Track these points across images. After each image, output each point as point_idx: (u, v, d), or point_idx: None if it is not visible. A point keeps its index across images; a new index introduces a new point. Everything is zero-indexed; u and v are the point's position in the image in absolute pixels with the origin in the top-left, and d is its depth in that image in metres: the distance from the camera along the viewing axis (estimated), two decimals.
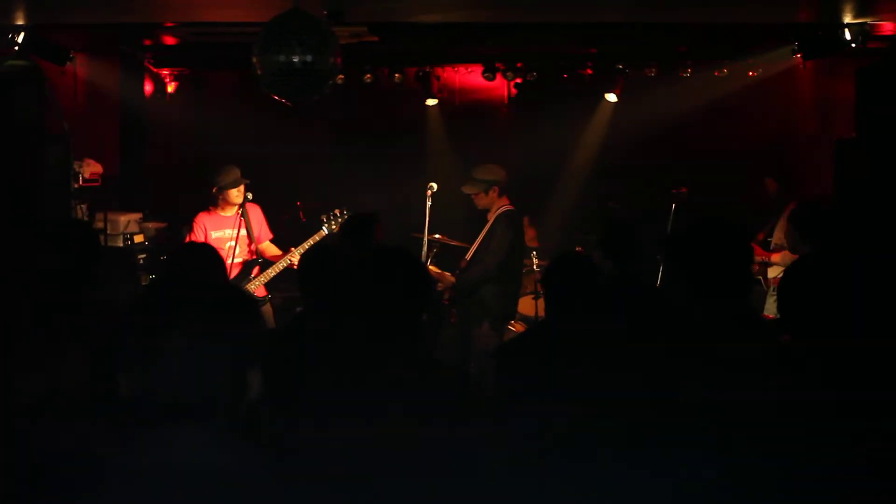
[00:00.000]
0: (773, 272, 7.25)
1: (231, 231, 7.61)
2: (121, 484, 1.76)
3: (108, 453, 1.81)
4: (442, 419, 2.76)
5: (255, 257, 7.71)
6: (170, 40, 8.74)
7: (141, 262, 8.25)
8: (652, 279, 6.41)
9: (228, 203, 7.66)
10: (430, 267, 7.46)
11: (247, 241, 7.72)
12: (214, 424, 1.84)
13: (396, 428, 2.68)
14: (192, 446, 1.79)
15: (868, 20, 6.85)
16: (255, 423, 1.97)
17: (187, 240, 7.54)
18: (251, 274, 7.59)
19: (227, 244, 7.52)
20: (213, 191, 7.65)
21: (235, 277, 7.53)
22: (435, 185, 7.57)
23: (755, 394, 2.67)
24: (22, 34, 7.04)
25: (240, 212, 7.64)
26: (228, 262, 7.46)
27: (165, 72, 9.96)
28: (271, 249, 7.83)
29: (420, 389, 2.83)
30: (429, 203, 7.45)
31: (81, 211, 7.75)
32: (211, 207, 7.73)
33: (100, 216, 8.09)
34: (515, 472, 2.95)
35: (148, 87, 9.60)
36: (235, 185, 7.61)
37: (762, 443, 2.58)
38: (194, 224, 7.70)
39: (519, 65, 9.61)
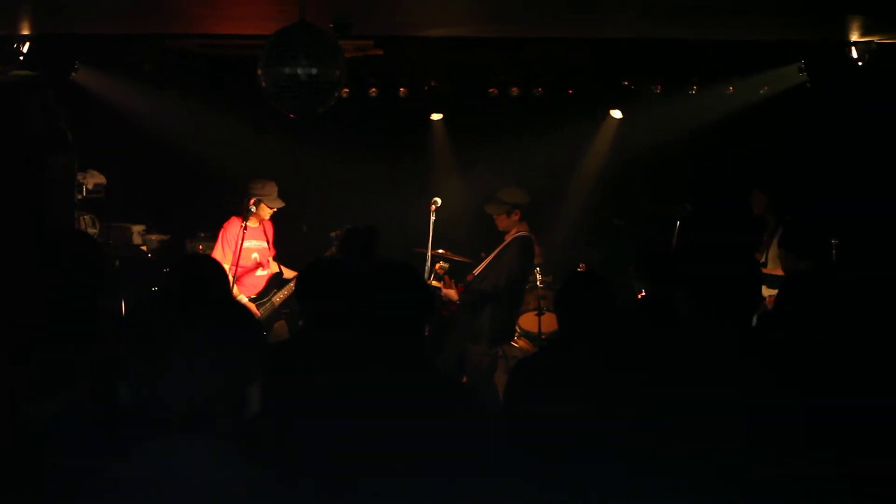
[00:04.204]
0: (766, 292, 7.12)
1: (258, 242, 7.67)
2: (121, 495, 1.74)
3: (108, 464, 1.79)
4: (444, 429, 2.75)
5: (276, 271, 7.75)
6: (175, 52, 8.74)
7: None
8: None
9: (259, 215, 7.63)
10: (444, 279, 7.44)
11: (268, 253, 7.76)
12: (214, 436, 1.83)
13: (398, 439, 2.67)
14: (192, 458, 1.78)
15: (875, 39, 6.83)
16: (255, 435, 1.95)
17: (216, 247, 7.52)
18: (277, 287, 7.64)
19: (253, 255, 7.58)
20: (251, 202, 7.54)
21: (263, 290, 7.61)
22: (439, 200, 7.56)
23: (764, 413, 2.65)
24: (27, 44, 7.05)
25: (264, 224, 7.69)
26: (257, 273, 7.63)
27: (170, 84, 9.94)
28: (274, 265, 7.86)
29: (423, 400, 2.82)
30: (432, 218, 7.44)
31: (85, 222, 7.73)
32: (237, 217, 7.62)
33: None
34: (514, 478, 2.94)
35: (152, 99, 9.58)
36: (275, 202, 7.60)
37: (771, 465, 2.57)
38: (225, 233, 7.56)
39: (524, 80, 9.60)
